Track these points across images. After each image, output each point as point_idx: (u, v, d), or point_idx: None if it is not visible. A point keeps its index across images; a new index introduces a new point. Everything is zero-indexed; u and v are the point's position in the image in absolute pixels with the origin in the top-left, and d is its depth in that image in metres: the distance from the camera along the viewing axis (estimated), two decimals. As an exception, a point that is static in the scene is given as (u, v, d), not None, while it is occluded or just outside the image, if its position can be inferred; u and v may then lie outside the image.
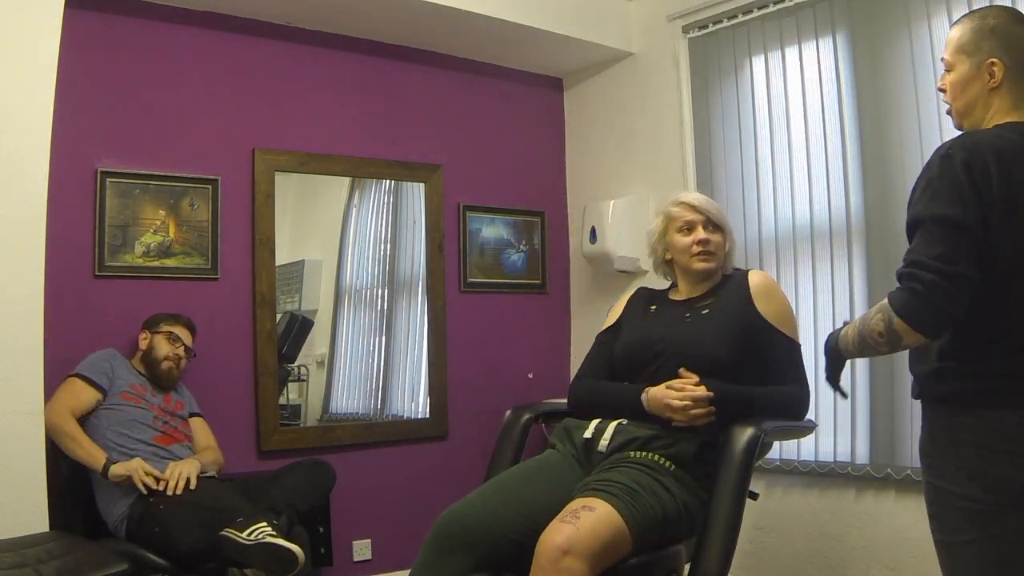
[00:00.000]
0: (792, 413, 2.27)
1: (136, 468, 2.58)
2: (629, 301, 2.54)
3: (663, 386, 2.18)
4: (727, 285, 2.39)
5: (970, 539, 1.59)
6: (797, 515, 3.20)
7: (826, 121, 3.18)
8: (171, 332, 2.90)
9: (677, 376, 2.20)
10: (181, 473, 2.61)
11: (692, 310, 2.36)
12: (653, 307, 2.47)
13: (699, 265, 2.38)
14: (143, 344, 2.89)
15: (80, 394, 2.69)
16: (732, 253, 2.46)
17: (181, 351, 2.91)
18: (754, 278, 2.37)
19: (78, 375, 2.71)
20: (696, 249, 2.37)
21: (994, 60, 1.64)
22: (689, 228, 2.39)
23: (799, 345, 2.33)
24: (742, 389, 2.20)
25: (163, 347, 2.88)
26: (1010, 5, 2.65)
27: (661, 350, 2.28)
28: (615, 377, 2.38)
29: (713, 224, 2.40)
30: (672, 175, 3.69)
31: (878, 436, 2.98)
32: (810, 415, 3.02)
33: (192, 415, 2.96)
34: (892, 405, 2.93)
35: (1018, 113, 1.64)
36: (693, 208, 2.40)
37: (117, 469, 2.57)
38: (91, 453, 2.60)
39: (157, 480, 2.58)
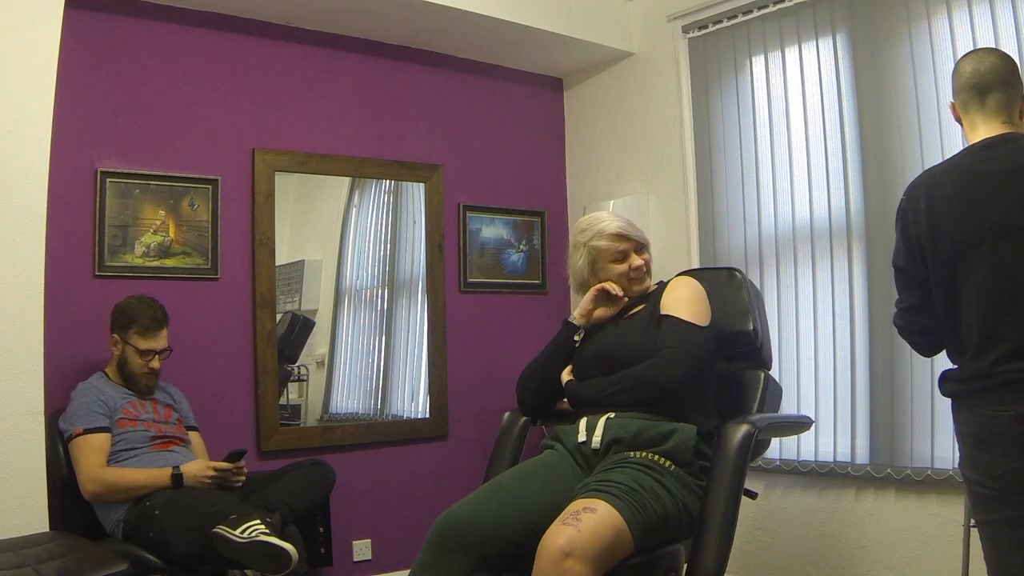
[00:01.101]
0: (654, 381, 2.20)
1: (204, 467, 2.65)
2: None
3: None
4: (655, 293, 2.43)
5: (983, 520, 1.80)
6: (797, 515, 3.20)
7: (826, 121, 3.18)
8: (143, 350, 2.74)
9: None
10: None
11: (623, 319, 2.44)
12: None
13: (638, 288, 2.46)
14: (115, 350, 2.77)
15: (98, 446, 2.59)
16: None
17: (156, 363, 2.78)
18: (670, 285, 2.41)
19: (85, 432, 2.59)
20: (633, 275, 2.44)
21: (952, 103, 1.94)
22: (623, 257, 2.43)
23: (691, 324, 2.26)
24: (610, 377, 2.28)
25: (136, 362, 2.75)
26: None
27: (597, 356, 2.37)
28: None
29: (640, 246, 2.45)
30: (672, 175, 3.69)
31: (878, 436, 2.98)
32: (810, 414, 3.04)
33: (190, 428, 2.90)
34: (892, 405, 2.94)
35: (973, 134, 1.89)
36: (622, 238, 2.44)
37: (191, 470, 2.62)
38: (152, 476, 2.58)
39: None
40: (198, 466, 2.66)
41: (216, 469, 2.66)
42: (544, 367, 2.50)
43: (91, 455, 2.57)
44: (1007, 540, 1.73)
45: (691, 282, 2.40)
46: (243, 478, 2.75)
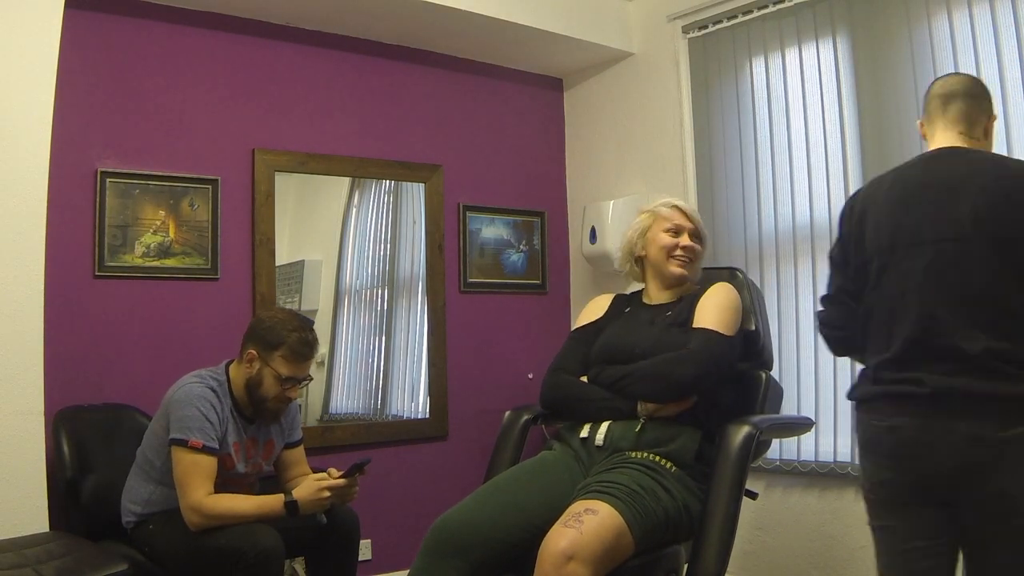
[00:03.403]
0: (667, 377, 2.20)
1: (316, 489, 2.35)
2: (611, 303, 2.56)
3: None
4: (695, 295, 2.40)
5: (871, 525, 1.82)
6: (797, 515, 3.20)
7: (826, 122, 3.18)
8: (285, 378, 2.42)
9: None
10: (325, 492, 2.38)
11: (658, 317, 2.39)
12: (627, 309, 2.50)
13: (675, 269, 2.41)
14: (249, 368, 2.44)
15: (210, 471, 2.32)
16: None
17: (294, 393, 2.46)
18: (708, 290, 2.37)
19: (204, 449, 2.31)
20: (679, 253, 2.41)
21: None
22: (676, 232, 2.42)
23: (716, 332, 2.25)
24: (623, 366, 2.27)
25: (273, 390, 2.42)
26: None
27: (629, 359, 2.30)
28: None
29: (699, 236, 2.45)
30: (672, 175, 3.69)
31: (878, 436, 2.97)
32: (810, 415, 3.04)
33: (291, 445, 2.63)
34: (892, 405, 2.93)
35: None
36: (684, 215, 2.45)
37: (303, 496, 2.34)
38: (263, 507, 2.32)
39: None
40: (309, 489, 2.36)
41: (330, 489, 2.37)
42: (579, 389, 2.38)
43: (200, 480, 2.30)
44: (886, 550, 1.77)
45: (727, 290, 2.37)
46: (357, 489, 2.45)
